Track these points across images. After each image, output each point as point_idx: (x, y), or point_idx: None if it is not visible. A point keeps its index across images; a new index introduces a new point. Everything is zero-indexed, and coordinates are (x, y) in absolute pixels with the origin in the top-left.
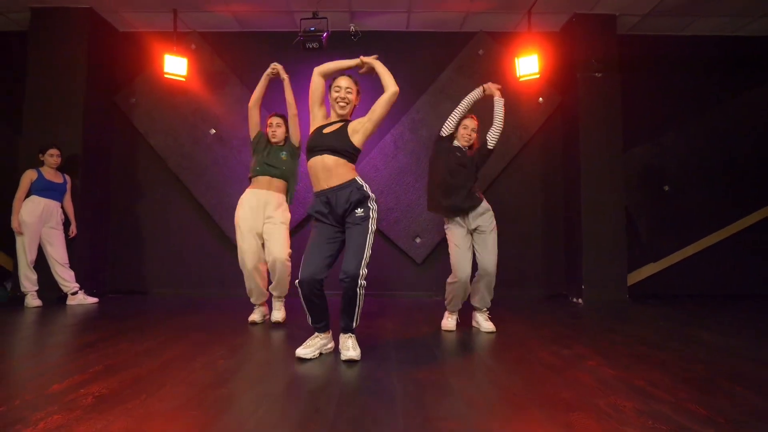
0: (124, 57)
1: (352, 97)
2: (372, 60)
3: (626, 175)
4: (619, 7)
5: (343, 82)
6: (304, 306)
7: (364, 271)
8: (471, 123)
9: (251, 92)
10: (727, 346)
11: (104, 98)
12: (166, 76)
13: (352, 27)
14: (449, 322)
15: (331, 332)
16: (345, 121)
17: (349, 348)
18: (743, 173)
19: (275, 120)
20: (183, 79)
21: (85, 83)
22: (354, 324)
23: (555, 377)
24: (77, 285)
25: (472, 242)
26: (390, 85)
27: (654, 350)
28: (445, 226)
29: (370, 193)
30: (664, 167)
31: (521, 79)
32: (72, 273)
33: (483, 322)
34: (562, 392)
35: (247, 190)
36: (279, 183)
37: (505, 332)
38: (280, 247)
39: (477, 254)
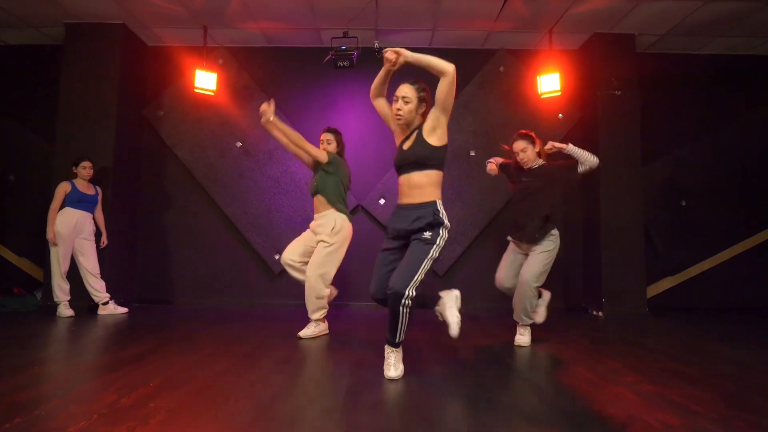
0: (152, 71)
1: (410, 107)
2: (404, 55)
3: (645, 190)
4: (638, 27)
5: (400, 90)
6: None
7: (411, 291)
8: (518, 146)
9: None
10: (749, 360)
11: (134, 111)
12: (196, 90)
13: (376, 43)
14: (519, 338)
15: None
16: (419, 127)
17: (390, 366)
18: (759, 188)
19: (326, 136)
20: (212, 94)
21: (117, 96)
22: (396, 339)
23: (597, 393)
24: (108, 295)
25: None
26: (443, 68)
27: (680, 365)
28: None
29: (444, 220)
30: (682, 182)
31: (542, 96)
32: (103, 283)
33: (517, 336)
34: (609, 408)
35: None
36: (318, 199)
37: (534, 346)
38: (312, 265)
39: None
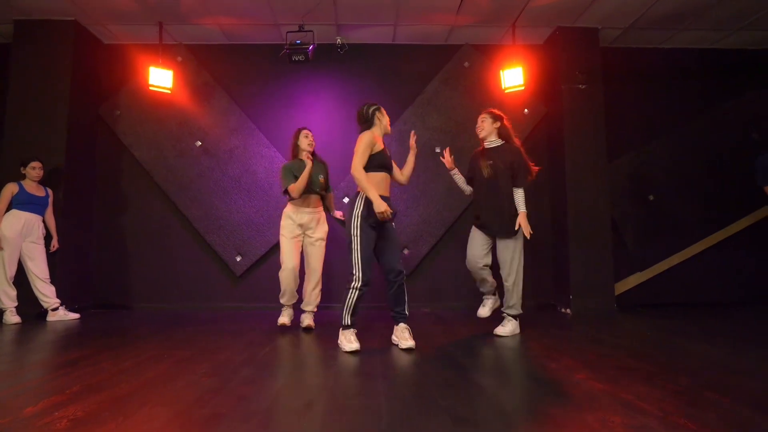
0: (108, 69)
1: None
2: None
3: (611, 185)
4: (601, 21)
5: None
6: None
7: None
8: (479, 117)
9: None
10: (713, 356)
11: (89, 111)
12: (151, 88)
13: (338, 40)
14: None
15: None
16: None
17: (408, 338)
18: (726, 182)
19: (307, 132)
20: (168, 92)
21: (69, 96)
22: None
23: (541, 391)
24: (58, 301)
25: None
26: (405, 178)
27: (641, 362)
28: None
29: None
30: (649, 176)
31: (506, 91)
32: (53, 288)
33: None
34: (550, 408)
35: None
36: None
37: (494, 344)
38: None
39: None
